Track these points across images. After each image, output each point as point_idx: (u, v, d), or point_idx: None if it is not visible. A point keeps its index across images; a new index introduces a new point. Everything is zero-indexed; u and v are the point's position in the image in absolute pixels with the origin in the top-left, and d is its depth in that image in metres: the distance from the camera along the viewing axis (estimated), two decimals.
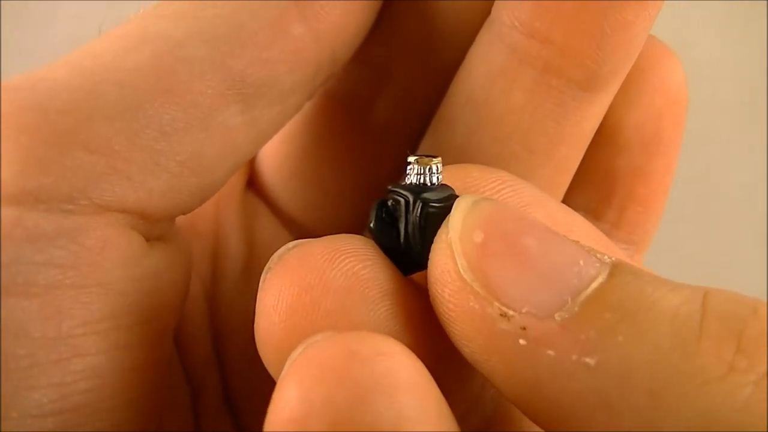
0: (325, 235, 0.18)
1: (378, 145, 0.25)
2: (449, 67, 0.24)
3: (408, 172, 0.19)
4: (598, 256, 0.17)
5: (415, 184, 0.19)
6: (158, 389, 0.21)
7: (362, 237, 0.18)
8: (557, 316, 0.16)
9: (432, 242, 0.18)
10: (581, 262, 0.16)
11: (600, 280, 0.16)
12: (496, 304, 0.16)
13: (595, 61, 0.21)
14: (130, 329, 0.19)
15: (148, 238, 0.20)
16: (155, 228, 0.20)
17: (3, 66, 0.66)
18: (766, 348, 0.15)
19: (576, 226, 0.20)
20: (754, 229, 0.63)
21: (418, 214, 0.18)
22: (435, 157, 0.19)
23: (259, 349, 0.17)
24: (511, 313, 0.16)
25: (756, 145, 0.60)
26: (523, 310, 0.16)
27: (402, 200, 0.18)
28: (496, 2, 0.23)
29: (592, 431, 0.15)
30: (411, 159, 0.19)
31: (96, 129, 0.18)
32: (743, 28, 0.65)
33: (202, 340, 0.26)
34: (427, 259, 0.18)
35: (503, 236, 0.16)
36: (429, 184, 0.19)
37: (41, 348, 0.17)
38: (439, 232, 0.17)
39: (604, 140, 0.26)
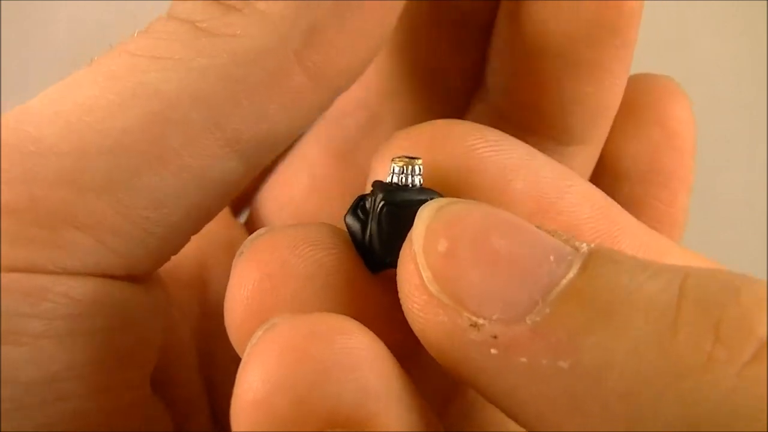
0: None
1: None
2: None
3: (390, 171, 0.19)
4: (576, 245, 0.16)
5: (395, 183, 0.18)
6: (139, 428, 0.21)
7: (333, 227, 0.18)
8: (528, 320, 0.15)
9: (394, 243, 0.17)
10: (551, 258, 0.16)
11: (571, 274, 0.15)
12: (465, 314, 0.15)
13: (564, 123, 0.22)
14: (111, 372, 0.19)
15: (129, 286, 0.20)
16: (137, 279, 0.20)
17: (3, 66, 0.66)
18: (747, 334, 0.14)
19: (569, 190, 0.19)
20: (754, 229, 0.63)
21: (377, 212, 0.18)
22: (417, 158, 0.18)
23: (228, 332, 0.18)
24: (481, 321, 0.15)
25: (756, 145, 0.60)
26: (494, 317, 0.15)
27: (373, 197, 0.18)
28: (486, 68, 0.24)
29: None
30: (395, 159, 0.18)
31: (85, 204, 0.17)
32: (743, 28, 0.65)
33: (192, 377, 0.26)
34: (391, 259, 0.17)
35: (468, 241, 0.16)
36: (410, 185, 0.18)
37: (27, 392, 0.18)
38: (405, 245, 0.17)
39: (605, 171, 0.26)
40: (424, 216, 0.16)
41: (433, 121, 0.19)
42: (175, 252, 0.20)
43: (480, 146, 0.18)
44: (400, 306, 0.17)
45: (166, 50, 0.18)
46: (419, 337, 0.17)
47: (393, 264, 0.17)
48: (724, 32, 0.65)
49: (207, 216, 0.20)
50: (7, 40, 0.64)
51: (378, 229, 0.18)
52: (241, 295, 0.17)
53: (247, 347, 0.16)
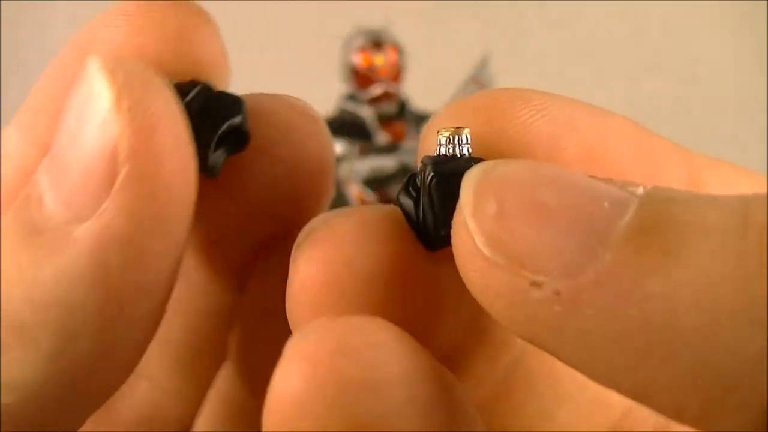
0: None
1: None
2: None
3: (437, 143, 0.18)
4: (630, 189, 0.15)
5: (443, 155, 0.18)
6: None
7: (392, 209, 0.18)
8: (590, 270, 0.14)
9: (447, 216, 0.17)
10: (606, 204, 0.15)
11: (628, 217, 0.14)
12: (524, 272, 0.15)
13: None
14: None
15: None
16: None
17: (3, 66, 0.66)
18: None
19: (621, 150, 0.18)
20: None
21: (427, 185, 0.17)
22: (464, 127, 0.18)
23: (291, 325, 0.17)
24: (541, 278, 0.15)
25: (756, 145, 0.60)
26: (554, 272, 0.15)
27: (421, 173, 0.18)
28: None
29: (649, 381, 0.14)
30: (441, 131, 0.18)
31: None
32: (743, 28, 0.65)
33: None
34: (446, 232, 0.17)
35: (517, 198, 0.15)
36: (458, 155, 0.18)
37: None
38: (455, 212, 0.16)
39: None
40: (470, 180, 0.16)
41: (478, 93, 0.19)
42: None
43: (525, 114, 0.18)
44: (460, 293, 0.16)
45: None
46: (482, 305, 0.16)
47: (449, 239, 0.17)
48: (724, 33, 0.65)
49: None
50: (7, 40, 0.64)
51: (429, 203, 0.17)
52: (303, 292, 0.17)
53: (284, 349, 0.15)
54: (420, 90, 0.61)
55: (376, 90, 0.60)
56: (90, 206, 0.16)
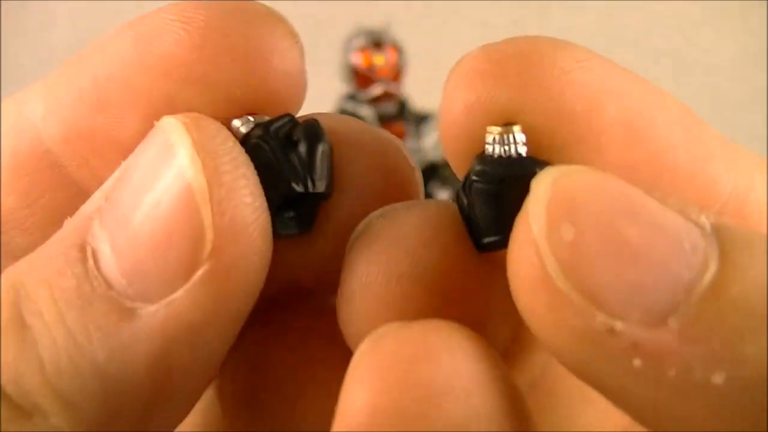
0: None
1: None
2: None
3: (487, 141, 0.17)
4: (701, 222, 0.14)
5: (494, 156, 0.16)
6: None
7: (449, 205, 0.17)
8: (671, 322, 0.13)
9: (493, 222, 0.16)
10: (686, 246, 0.14)
11: (713, 269, 0.14)
12: (601, 316, 0.14)
13: None
14: None
15: None
16: None
17: (3, 66, 0.66)
18: None
19: (660, 114, 0.17)
20: None
21: (468, 189, 0.16)
22: (514, 124, 0.16)
23: (342, 326, 0.16)
24: (618, 326, 0.14)
25: (756, 145, 0.60)
26: (633, 318, 0.13)
27: (470, 174, 0.17)
28: None
29: None
30: (489, 128, 0.16)
31: None
32: (743, 28, 0.65)
33: None
34: (491, 239, 0.16)
35: (598, 227, 0.14)
36: (513, 156, 0.16)
37: None
38: (516, 227, 0.15)
39: None
40: (542, 194, 0.14)
41: (513, 39, 0.17)
42: None
43: (570, 67, 0.17)
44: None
45: None
46: (540, 338, 0.15)
47: (497, 245, 0.16)
48: (724, 32, 0.65)
49: None
50: (7, 40, 0.64)
51: (471, 207, 0.16)
52: (367, 297, 0.16)
53: (354, 355, 0.15)
54: (420, 90, 0.61)
55: (376, 90, 0.60)
56: (159, 291, 0.15)
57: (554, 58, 0.16)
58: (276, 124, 0.17)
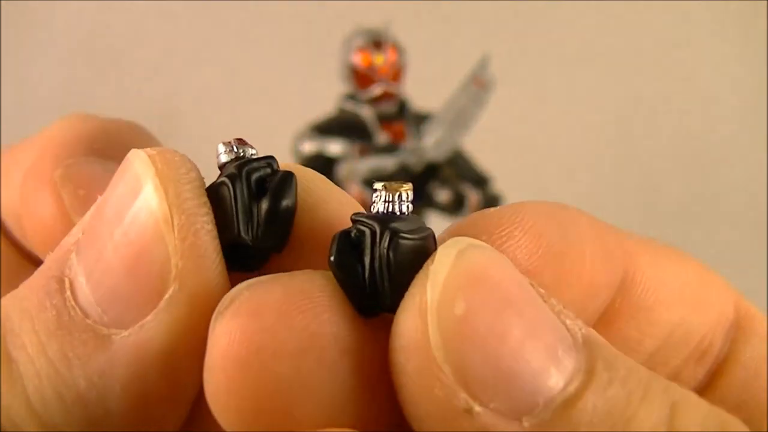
0: None
1: None
2: None
3: (374, 200, 0.17)
4: (573, 330, 0.15)
5: (382, 213, 0.16)
6: None
7: (321, 274, 0.17)
8: (525, 422, 0.14)
9: (401, 282, 0.16)
10: (559, 352, 0.15)
11: (576, 382, 0.15)
12: (463, 395, 0.14)
13: None
14: None
15: None
16: None
17: (3, 66, 0.66)
18: None
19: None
20: (754, 229, 0.63)
21: (386, 246, 0.16)
22: (405, 183, 0.17)
23: (209, 403, 0.16)
24: (477, 408, 0.14)
25: (756, 145, 0.60)
26: (491, 405, 0.14)
27: (368, 230, 0.16)
28: None
29: None
30: (378, 186, 0.16)
31: None
32: (743, 28, 0.65)
33: None
34: (394, 301, 0.16)
35: (487, 313, 0.15)
36: (398, 213, 0.16)
37: None
38: (412, 288, 0.15)
39: None
40: (442, 262, 0.15)
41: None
42: None
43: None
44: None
45: None
46: (402, 400, 0.15)
47: (392, 308, 0.16)
48: (724, 33, 0.65)
49: None
50: (7, 40, 0.64)
51: (386, 265, 0.16)
52: (226, 371, 0.15)
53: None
54: (420, 90, 0.61)
55: (376, 90, 0.60)
56: (131, 316, 0.16)
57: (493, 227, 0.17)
58: (251, 166, 0.17)
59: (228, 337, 0.15)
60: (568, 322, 0.15)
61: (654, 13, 0.65)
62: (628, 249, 0.20)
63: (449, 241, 0.15)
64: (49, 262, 0.17)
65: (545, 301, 0.16)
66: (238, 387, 0.15)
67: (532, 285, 0.16)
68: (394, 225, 0.16)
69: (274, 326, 0.15)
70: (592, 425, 0.14)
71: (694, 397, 0.15)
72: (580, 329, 0.15)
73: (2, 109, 0.58)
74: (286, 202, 0.17)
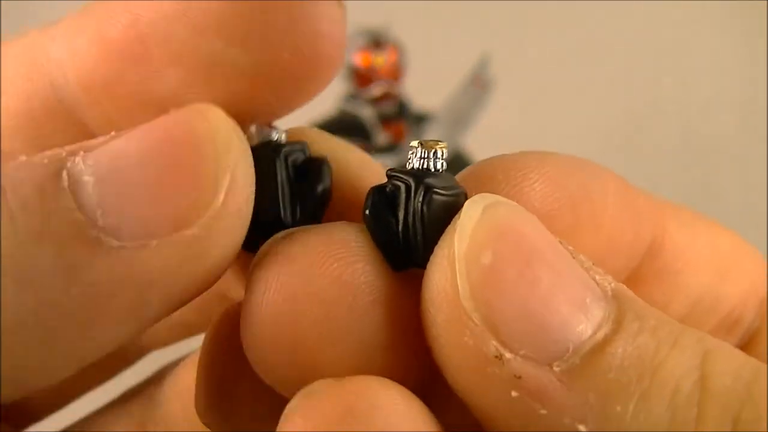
0: None
1: None
2: None
3: (410, 156, 0.17)
4: (605, 284, 0.15)
5: (417, 169, 0.16)
6: None
7: (356, 226, 0.17)
8: (556, 367, 0.14)
9: (433, 237, 0.16)
10: (588, 300, 0.15)
11: (605, 330, 0.15)
12: (493, 342, 0.14)
13: None
14: None
15: None
16: None
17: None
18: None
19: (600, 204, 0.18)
20: (754, 229, 0.63)
21: (420, 201, 0.16)
22: (441, 141, 0.17)
23: (245, 350, 0.16)
24: (507, 355, 0.14)
25: (756, 145, 0.60)
26: (521, 352, 0.14)
27: (402, 185, 0.16)
28: None
29: None
30: (414, 143, 0.17)
31: None
32: (743, 28, 0.65)
33: None
34: (425, 256, 0.16)
35: (515, 261, 0.15)
36: (432, 170, 0.16)
37: None
38: (441, 242, 0.15)
39: None
40: (471, 214, 0.15)
41: (471, 167, 0.18)
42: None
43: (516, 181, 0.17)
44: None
45: None
46: (432, 350, 0.15)
47: (423, 262, 0.16)
48: (724, 33, 0.65)
49: None
50: (7, 39, 0.64)
51: (420, 220, 0.16)
52: (263, 317, 0.15)
53: (285, 411, 0.15)
54: (420, 90, 0.61)
55: (376, 90, 0.60)
56: (141, 237, 0.15)
57: (507, 175, 0.17)
58: (287, 149, 0.17)
59: (264, 283, 0.16)
60: (597, 277, 0.15)
61: (655, 13, 0.65)
62: (658, 213, 0.19)
63: (476, 197, 0.15)
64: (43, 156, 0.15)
65: (573, 257, 0.15)
66: (273, 332, 0.15)
67: (560, 242, 0.16)
68: (429, 180, 0.16)
69: (308, 273, 0.15)
70: (621, 370, 0.14)
71: (728, 347, 0.15)
72: (610, 283, 0.15)
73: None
74: (323, 189, 0.17)
